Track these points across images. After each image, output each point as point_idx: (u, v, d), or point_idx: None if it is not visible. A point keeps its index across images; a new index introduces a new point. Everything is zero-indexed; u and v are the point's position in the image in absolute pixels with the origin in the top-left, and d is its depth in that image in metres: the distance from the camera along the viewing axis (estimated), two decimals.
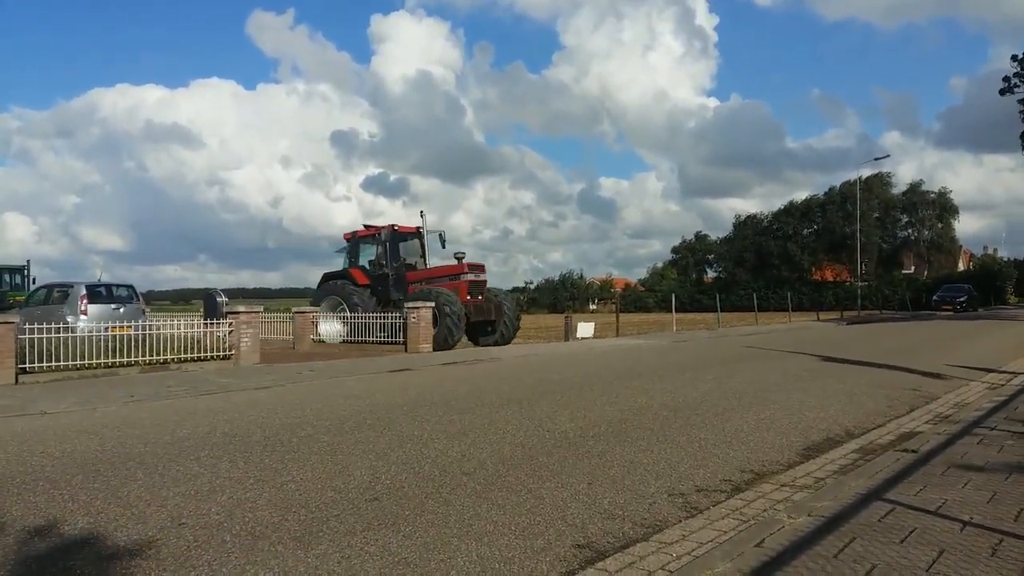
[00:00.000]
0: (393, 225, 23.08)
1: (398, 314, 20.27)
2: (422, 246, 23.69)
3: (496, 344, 21.39)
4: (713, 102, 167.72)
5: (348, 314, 21.86)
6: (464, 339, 21.16)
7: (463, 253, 22.15)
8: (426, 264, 23.40)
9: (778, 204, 72.90)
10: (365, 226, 23.77)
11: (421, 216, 23.76)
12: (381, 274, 22.73)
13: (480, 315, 21.15)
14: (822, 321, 36.92)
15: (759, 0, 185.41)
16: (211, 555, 3.77)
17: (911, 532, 3.84)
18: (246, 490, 4.95)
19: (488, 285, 22.31)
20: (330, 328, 22.45)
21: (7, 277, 33.04)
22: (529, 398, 9.37)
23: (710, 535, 3.98)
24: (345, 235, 24.09)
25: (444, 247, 23.63)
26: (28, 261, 33.41)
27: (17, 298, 29.91)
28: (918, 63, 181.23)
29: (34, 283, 32.53)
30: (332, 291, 23.13)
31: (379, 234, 22.92)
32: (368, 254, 23.71)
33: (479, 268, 22.10)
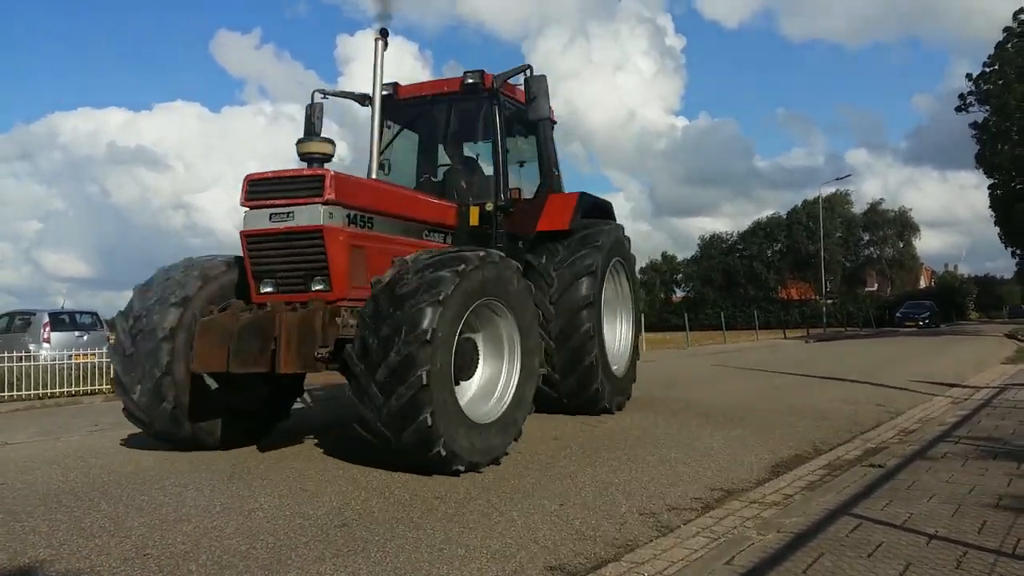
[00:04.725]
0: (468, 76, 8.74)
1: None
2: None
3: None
4: (682, 121, 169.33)
5: None
6: None
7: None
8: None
9: (748, 223, 73.77)
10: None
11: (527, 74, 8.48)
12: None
13: None
14: (789, 339, 37.39)
15: (726, 22, 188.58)
16: None
17: (878, 546, 3.88)
18: (212, 519, 4.87)
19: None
20: None
21: None
22: None
23: (681, 554, 3.99)
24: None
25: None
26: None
27: None
28: (885, 82, 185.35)
29: None
30: None
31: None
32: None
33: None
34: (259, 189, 6.69)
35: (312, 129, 8.96)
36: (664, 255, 77.73)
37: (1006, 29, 36.95)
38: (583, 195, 9.61)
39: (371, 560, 4.03)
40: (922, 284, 79.92)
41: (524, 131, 9.70)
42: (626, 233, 10.19)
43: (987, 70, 37.84)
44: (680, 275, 74.63)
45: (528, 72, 8.49)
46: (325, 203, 6.45)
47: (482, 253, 6.28)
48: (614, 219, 10.34)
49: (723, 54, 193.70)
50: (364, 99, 8.90)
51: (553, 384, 8.72)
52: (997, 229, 41.38)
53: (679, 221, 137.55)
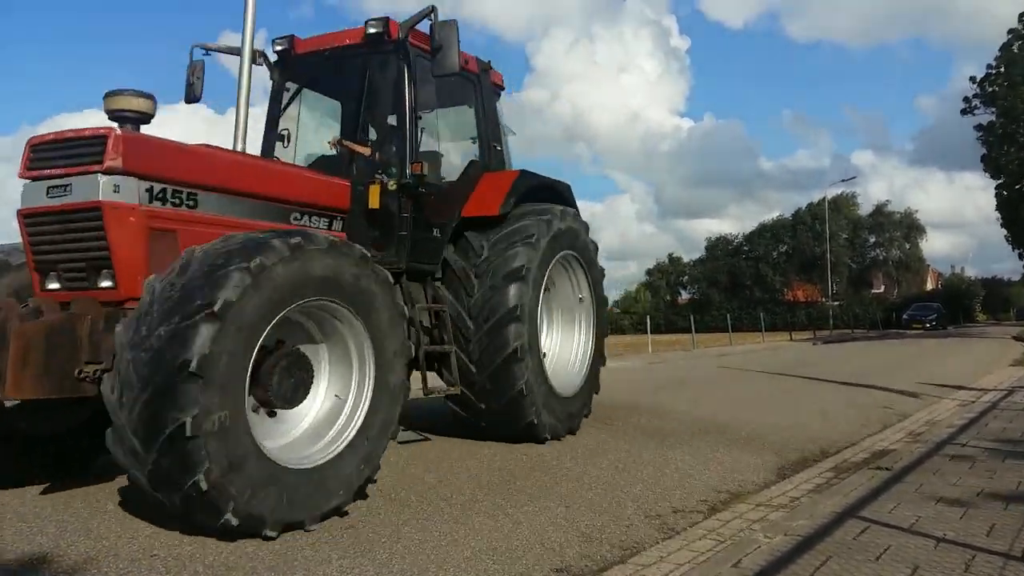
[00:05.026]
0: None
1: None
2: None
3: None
4: (687, 123, 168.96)
5: None
6: None
7: None
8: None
9: (754, 224, 73.51)
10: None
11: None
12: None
13: None
14: (795, 341, 37.28)
15: (731, 23, 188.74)
16: None
17: (886, 550, 3.87)
18: None
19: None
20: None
21: None
22: None
23: (687, 556, 3.99)
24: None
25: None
26: None
27: None
28: (891, 83, 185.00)
29: None
30: None
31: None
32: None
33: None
34: (39, 156, 5.03)
35: (192, 92, 7.70)
36: (670, 257, 77.53)
37: (1011, 31, 36.80)
38: (524, 174, 7.89)
39: (377, 562, 4.03)
40: (929, 286, 79.65)
41: (471, 100, 8.14)
42: (593, 238, 8.61)
43: (991, 72, 37.70)
44: (686, 277, 74.36)
45: (433, 17, 6.70)
46: (107, 172, 4.79)
47: (296, 239, 4.55)
48: (572, 205, 8.51)
49: (728, 55, 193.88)
50: (256, 56, 7.46)
51: (469, 381, 7.10)
52: (1004, 231, 41.24)
53: (685, 223, 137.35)
